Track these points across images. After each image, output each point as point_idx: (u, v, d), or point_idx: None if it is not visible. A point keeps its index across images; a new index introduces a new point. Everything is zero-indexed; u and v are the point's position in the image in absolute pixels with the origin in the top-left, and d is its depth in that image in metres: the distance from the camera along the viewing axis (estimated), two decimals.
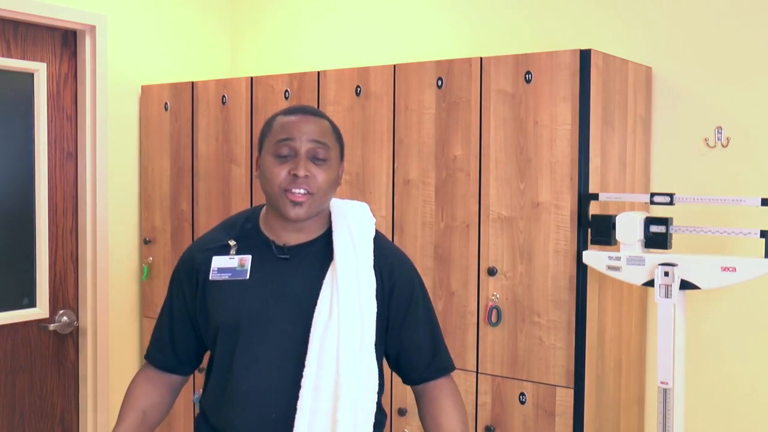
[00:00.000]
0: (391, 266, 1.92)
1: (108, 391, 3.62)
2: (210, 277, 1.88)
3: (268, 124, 1.88)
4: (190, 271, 1.93)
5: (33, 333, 3.46)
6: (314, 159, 1.82)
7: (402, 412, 2.98)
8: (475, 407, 2.84)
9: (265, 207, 1.94)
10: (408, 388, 3.03)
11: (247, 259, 1.88)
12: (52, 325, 3.50)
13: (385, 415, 2.00)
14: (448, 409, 1.93)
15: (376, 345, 1.88)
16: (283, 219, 1.86)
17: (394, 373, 2.96)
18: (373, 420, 1.87)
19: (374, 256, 1.90)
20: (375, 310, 1.86)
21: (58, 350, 3.55)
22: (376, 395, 1.90)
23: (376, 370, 1.89)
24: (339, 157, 1.89)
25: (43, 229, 3.45)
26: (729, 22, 2.89)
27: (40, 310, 3.46)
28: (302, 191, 1.80)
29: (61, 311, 3.54)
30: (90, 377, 3.58)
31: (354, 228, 1.89)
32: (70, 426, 3.61)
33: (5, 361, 3.37)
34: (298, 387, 1.80)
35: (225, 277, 1.87)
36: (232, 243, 1.90)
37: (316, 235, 1.90)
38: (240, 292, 1.86)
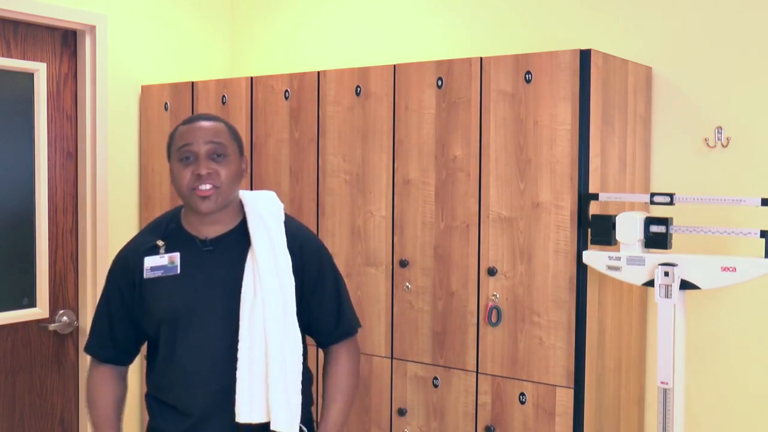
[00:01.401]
0: (301, 244, 2.17)
1: None
2: (144, 276, 2.12)
3: (171, 136, 2.13)
4: (126, 273, 2.16)
5: (33, 333, 3.46)
6: (214, 157, 2.07)
7: (402, 412, 2.98)
8: (475, 407, 2.84)
9: (184, 207, 2.18)
10: (407, 389, 3.03)
11: (176, 255, 2.11)
12: (52, 325, 3.50)
13: (311, 372, 2.28)
14: (339, 375, 2.21)
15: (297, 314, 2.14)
16: (198, 214, 2.09)
17: (394, 375, 2.97)
18: (300, 378, 2.11)
19: (286, 237, 2.14)
20: (293, 284, 2.11)
21: (58, 350, 3.55)
22: (302, 356, 2.14)
23: (299, 335, 2.14)
24: (238, 153, 2.14)
25: (43, 229, 3.45)
26: (729, 22, 2.89)
27: (40, 310, 3.46)
28: (208, 186, 2.04)
29: (61, 311, 3.54)
30: None
31: (265, 214, 2.14)
32: (70, 426, 3.61)
33: (5, 361, 3.37)
34: (236, 360, 2.05)
35: (158, 274, 2.11)
36: (160, 243, 2.13)
37: (233, 225, 2.15)
38: (174, 287, 2.10)
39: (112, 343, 2.20)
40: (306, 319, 2.20)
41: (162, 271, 2.11)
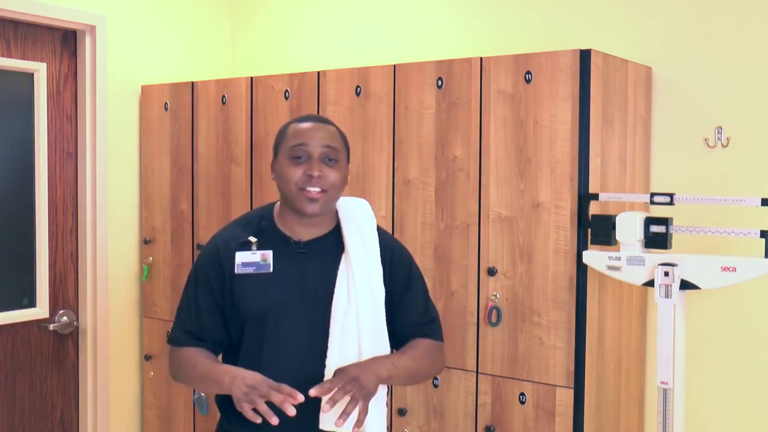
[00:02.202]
0: (391, 253, 2.17)
1: (108, 391, 3.62)
2: (235, 271, 2.08)
3: (282, 132, 2.11)
4: (217, 264, 2.11)
5: (33, 333, 3.46)
6: (326, 161, 2.05)
7: (402, 412, 2.98)
8: (475, 407, 2.84)
9: (278, 205, 2.16)
10: (407, 389, 3.03)
11: (269, 254, 2.08)
12: (52, 325, 3.50)
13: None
14: (415, 344, 2.15)
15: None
16: (299, 215, 2.08)
17: None
18: (387, 389, 2.09)
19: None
20: (384, 293, 2.11)
21: (58, 350, 3.55)
22: None
23: (388, 345, 2.12)
24: (346, 159, 2.13)
25: (43, 229, 3.45)
26: (729, 22, 2.89)
27: (40, 310, 3.46)
28: (317, 189, 2.03)
29: (61, 311, 3.54)
30: (90, 377, 3.58)
31: (361, 222, 2.14)
32: (70, 426, 3.61)
33: (5, 361, 3.37)
34: (320, 366, 2.01)
35: (250, 270, 2.08)
36: (252, 239, 2.09)
37: (327, 230, 2.13)
38: (266, 285, 2.07)
39: (199, 336, 2.11)
40: (393, 327, 2.16)
41: (254, 268, 2.08)
